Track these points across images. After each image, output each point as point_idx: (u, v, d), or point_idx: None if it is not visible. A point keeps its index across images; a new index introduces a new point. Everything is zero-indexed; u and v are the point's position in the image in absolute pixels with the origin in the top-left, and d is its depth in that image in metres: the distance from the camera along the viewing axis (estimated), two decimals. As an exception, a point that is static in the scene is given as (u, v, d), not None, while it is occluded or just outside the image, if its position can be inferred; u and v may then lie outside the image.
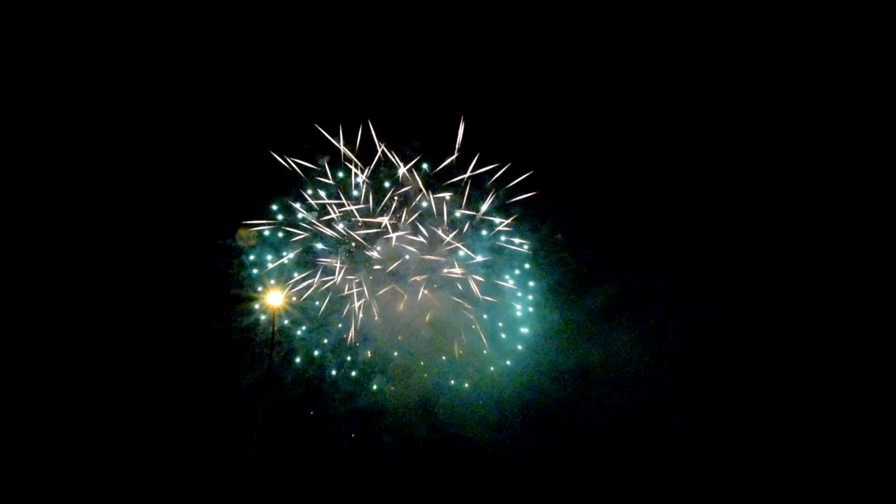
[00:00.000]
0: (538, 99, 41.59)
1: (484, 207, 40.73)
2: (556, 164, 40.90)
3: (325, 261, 40.40)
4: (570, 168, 41.61)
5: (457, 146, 39.25)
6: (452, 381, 43.33)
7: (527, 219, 41.31)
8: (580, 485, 40.80)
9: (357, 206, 40.51)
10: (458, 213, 41.32)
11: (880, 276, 39.10)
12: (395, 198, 40.47)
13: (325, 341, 41.00)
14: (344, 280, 40.11)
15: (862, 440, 37.42)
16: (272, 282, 39.61)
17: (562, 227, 42.02)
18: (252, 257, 40.02)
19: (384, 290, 40.69)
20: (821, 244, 40.30)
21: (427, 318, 41.64)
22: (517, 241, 41.85)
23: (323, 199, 40.01)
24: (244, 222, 39.67)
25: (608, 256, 42.94)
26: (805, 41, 40.09)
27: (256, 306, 39.53)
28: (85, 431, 36.03)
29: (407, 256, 41.70)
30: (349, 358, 41.32)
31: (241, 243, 39.49)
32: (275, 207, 40.31)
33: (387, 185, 40.49)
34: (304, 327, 40.59)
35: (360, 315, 40.45)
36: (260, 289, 39.68)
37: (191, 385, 38.44)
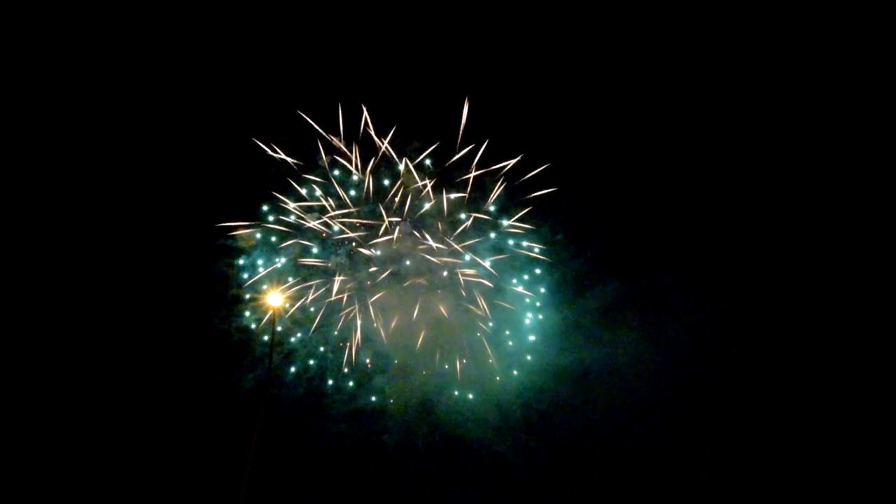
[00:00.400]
0: (543, 97, 41.59)
1: (490, 204, 39.98)
2: (559, 164, 40.58)
3: (319, 262, 40.09)
4: (574, 168, 41.33)
5: (461, 129, 38.59)
6: (456, 393, 42.07)
7: (532, 219, 40.90)
8: (583, 486, 40.56)
9: (357, 208, 40.05)
10: (463, 216, 40.33)
11: (883, 277, 39.28)
12: (396, 198, 39.66)
13: (326, 343, 40.59)
14: (344, 282, 39.80)
15: (865, 442, 37.49)
16: (265, 286, 39.23)
17: (566, 227, 41.59)
18: (252, 258, 39.74)
19: (384, 293, 40.11)
20: (822, 244, 40.55)
21: (429, 324, 40.75)
22: (525, 243, 40.84)
23: (322, 198, 39.77)
24: (242, 224, 39.36)
25: (614, 257, 42.99)
26: (816, 46, 39.93)
27: (252, 309, 39.44)
28: (84, 432, 35.96)
29: (408, 263, 40.71)
30: (346, 371, 40.71)
31: (240, 244, 39.27)
32: (274, 207, 39.98)
33: (386, 182, 40.19)
34: (303, 328, 40.25)
35: (359, 322, 39.96)
36: (248, 295, 39.49)
37: (191, 386, 38.22)
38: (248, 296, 39.01)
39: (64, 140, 39.04)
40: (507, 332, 42.36)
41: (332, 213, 39.47)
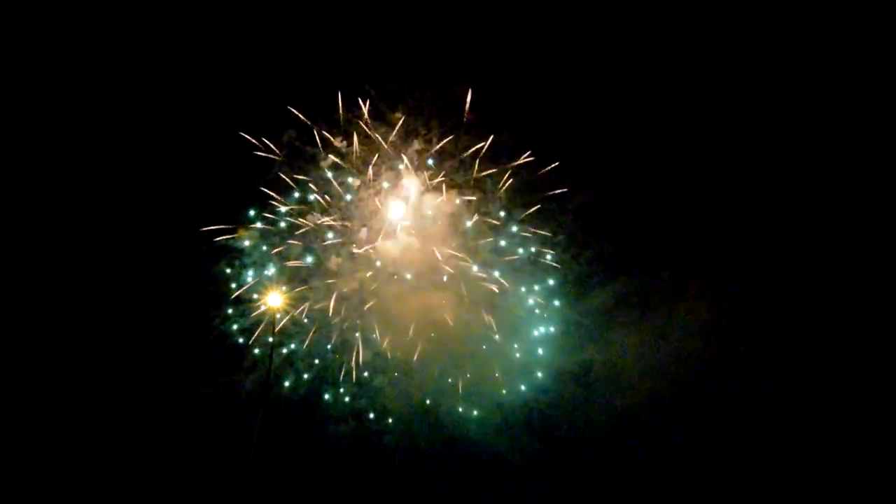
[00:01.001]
0: (547, 97, 41.09)
1: (495, 204, 39.70)
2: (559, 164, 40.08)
3: (318, 264, 39.36)
4: (575, 168, 40.89)
5: (464, 118, 38.35)
6: (461, 409, 41.21)
7: (534, 220, 40.25)
8: (584, 487, 40.22)
9: (357, 208, 39.64)
10: (466, 218, 39.64)
11: (882, 278, 39.26)
12: (397, 199, 39.53)
13: (326, 346, 39.66)
14: (344, 284, 39.24)
15: (865, 442, 37.30)
16: (255, 296, 38.74)
17: (567, 228, 40.95)
18: (251, 258, 39.08)
19: (386, 297, 39.65)
20: (823, 244, 40.36)
21: (432, 331, 40.17)
22: (534, 249, 40.16)
23: (321, 198, 39.33)
24: (242, 225, 38.84)
25: (615, 258, 42.54)
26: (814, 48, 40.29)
27: (247, 312, 38.84)
28: (84, 435, 35.86)
29: (408, 275, 39.82)
30: (346, 374, 39.75)
31: (239, 244, 38.60)
32: (272, 208, 39.36)
33: (387, 183, 39.82)
34: (303, 329, 39.28)
35: (359, 327, 39.28)
36: (253, 296, 38.84)
37: (191, 387, 37.82)
38: (248, 296, 38.64)
39: (58, 139, 38.80)
40: (515, 346, 41.29)
41: (333, 215, 39.23)
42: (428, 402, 40.47)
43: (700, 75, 41.30)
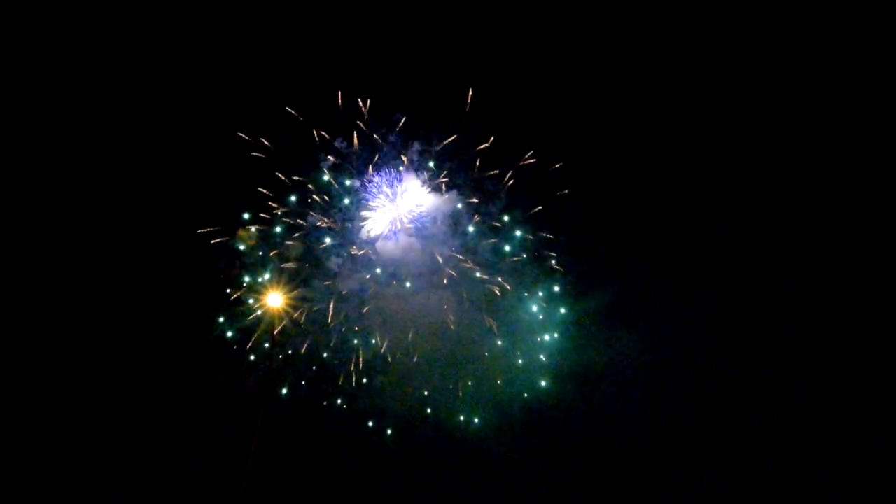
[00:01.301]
0: (550, 96, 41.17)
1: (497, 206, 39.42)
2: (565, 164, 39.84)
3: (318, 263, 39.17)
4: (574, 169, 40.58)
5: (466, 112, 38.02)
6: (462, 417, 41.03)
7: (533, 220, 39.98)
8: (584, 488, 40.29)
9: (358, 207, 39.53)
10: (469, 224, 39.45)
11: (882, 279, 39.46)
12: (397, 200, 39.17)
13: (326, 347, 39.52)
14: (344, 284, 39.11)
15: (864, 442, 37.53)
16: (264, 285, 38.25)
17: (566, 229, 40.60)
18: (252, 259, 39.07)
19: (386, 298, 39.47)
20: (824, 246, 40.58)
21: (433, 334, 39.74)
22: (536, 252, 40.02)
23: (321, 199, 39.13)
24: (241, 226, 38.82)
25: (614, 259, 42.68)
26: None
27: (245, 313, 38.65)
28: (83, 435, 35.92)
29: (408, 277, 39.57)
30: (346, 375, 39.50)
31: (240, 244, 38.51)
32: (271, 209, 39.14)
33: (387, 184, 39.55)
34: (302, 329, 39.29)
35: (358, 336, 39.23)
36: (250, 299, 38.76)
37: (191, 387, 37.96)
38: (248, 296, 38.50)
39: (56, 140, 38.78)
40: (518, 352, 40.96)
41: (332, 216, 39.16)
42: (428, 410, 40.45)
43: (702, 76, 41.63)
